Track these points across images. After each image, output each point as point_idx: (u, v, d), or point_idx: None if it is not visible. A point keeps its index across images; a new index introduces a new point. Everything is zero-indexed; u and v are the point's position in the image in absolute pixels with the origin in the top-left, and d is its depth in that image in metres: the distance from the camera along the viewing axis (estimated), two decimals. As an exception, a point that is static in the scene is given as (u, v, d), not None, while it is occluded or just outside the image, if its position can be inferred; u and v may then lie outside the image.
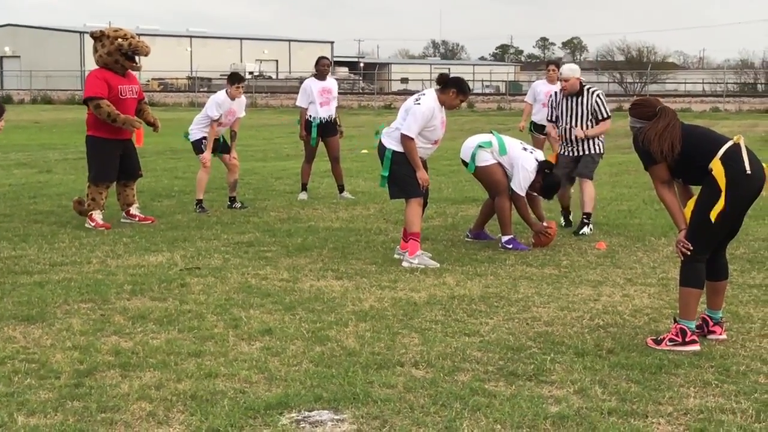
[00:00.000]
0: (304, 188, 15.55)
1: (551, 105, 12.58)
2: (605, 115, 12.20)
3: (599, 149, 12.32)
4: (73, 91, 71.78)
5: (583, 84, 12.33)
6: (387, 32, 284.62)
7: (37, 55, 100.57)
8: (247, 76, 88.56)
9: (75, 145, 26.02)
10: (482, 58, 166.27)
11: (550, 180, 11.25)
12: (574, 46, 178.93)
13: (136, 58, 12.62)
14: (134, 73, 12.88)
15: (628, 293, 8.80)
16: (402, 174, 10.23)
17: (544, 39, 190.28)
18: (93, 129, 12.49)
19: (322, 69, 15.57)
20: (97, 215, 12.36)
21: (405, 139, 10.11)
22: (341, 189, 15.66)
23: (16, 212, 13.57)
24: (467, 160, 11.32)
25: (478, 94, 69.96)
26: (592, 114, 12.15)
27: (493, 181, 11.22)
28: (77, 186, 16.37)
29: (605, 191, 16.23)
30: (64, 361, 6.53)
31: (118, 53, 12.45)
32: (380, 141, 10.43)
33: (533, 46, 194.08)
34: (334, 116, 15.54)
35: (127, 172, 12.78)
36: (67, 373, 6.28)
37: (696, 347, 6.93)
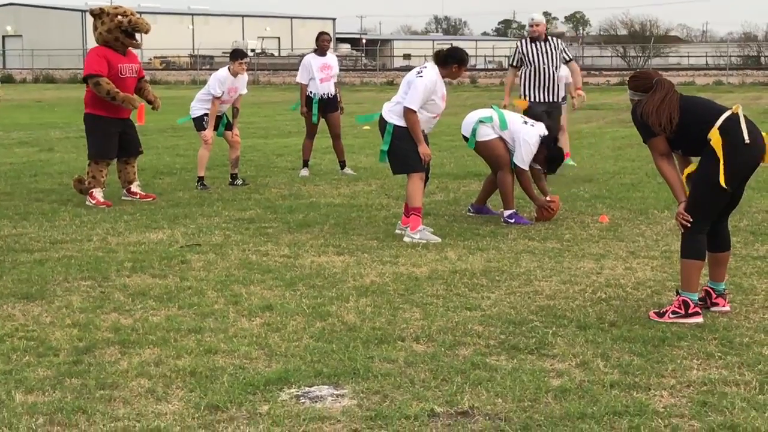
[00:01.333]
0: (305, 165, 15.49)
1: (518, 51, 14.22)
2: (570, 57, 14.32)
3: (564, 93, 14.51)
4: (76, 69, 71.60)
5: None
6: (389, 8, 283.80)
7: (39, 34, 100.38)
8: (250, 54, 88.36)
9: (77, 124, 25.84)
10: (485, 34, 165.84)
11: (554, 152, 11.19)
12: (576, 20, 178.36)
13: (137, 35, 12.55)
14: (135, 51, 12.79)
15: (630, 266, 8.76)
16: (404, 148, 10.16)
17: (546, 13, 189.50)
18: (91, 107, 12.43)
19: (322, 45, 15.49)
20: (98, 193, 12.31)
21: (408, 112, 10.03)
22: (342, 165, 15.61)
23: (16, 191, 13.53)
24: (468, 135, 11.26)
25: (480, 70, 69.86)
26: (560, 58, 14.06)
27: (494, 155, 11.16)
28: (78, 164, 16.31)
29: (608, 165, 16.18)
30: (63, 338, 6.50)
31: (118, 30, 12.36)
32: (381, 115, 10.35)
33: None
34: (334, 92, 15.46)
35: (127, 150, 12.72)
36: (66, 350, 6.24)
37: (699, 319, 6.89)
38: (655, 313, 7.03)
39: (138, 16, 12.58)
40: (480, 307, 7.34)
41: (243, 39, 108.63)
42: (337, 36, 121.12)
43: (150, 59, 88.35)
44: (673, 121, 6.80)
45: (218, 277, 8.29)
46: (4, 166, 16.38)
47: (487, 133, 11.09)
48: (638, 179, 14.37)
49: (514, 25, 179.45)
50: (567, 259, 9.06)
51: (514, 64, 14.29)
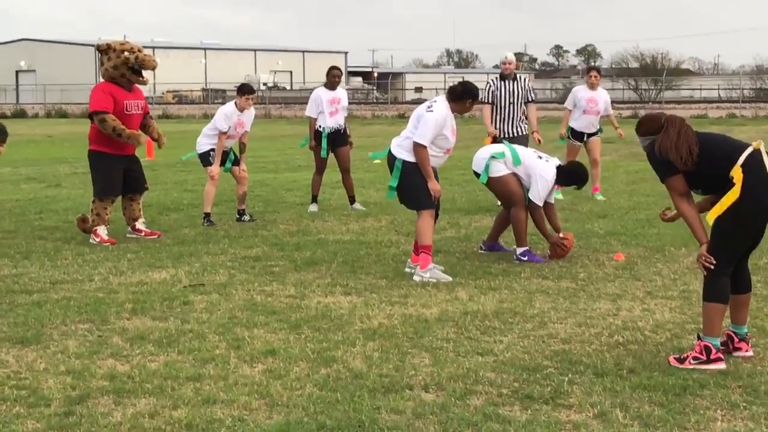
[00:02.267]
0: (314, 200, 15.23)
1: (489, 89, 15.11)
2: (533, 98, 15.39)
3: (525, 129, 15.28)
4: (87, 104, 71.66)
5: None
6: (401, 42, 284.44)
7: (52, 69, 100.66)
8: (262, 87, 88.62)
9: (85, 159, 25.74)
10: (496, 67, 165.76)
11: (574, 173, 10.99)
12: (588, 53, 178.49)
13: (143, 72, 12.34)
14: (141, 87, 12.58)
15: (648, 307, 8.45)
16: (413, 184, 9.90)
17: (557, 47, 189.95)
18: (95, 143, 12.19)
19: (332, 79, 15.25)
20: (102, 231, 12.05)
21: (418, 148, 9.78)
22: (352, 200, 15.35)
23: (20, 228, 13.29)
24: (479, 171, 10.99)
25: (489, 103, 69.54)
26: (524, 97, 15.09)
27: (507, 191, 10.88)
28: (85, 200, 16.06)
29: (622, 200, 15.88)
30: (56, 386, 6.22)
31: (125, 67, 12.14)
32: (389, 151, 10.10)
33: (547, 54, 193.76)
34: (343, 126, 15.23)
35: (132, 187, 12.49)
36: (58, 400, 5.96)
37: (721, 365, 6.58)
38: (675, 358, 6.72)
39: (145, 52, 12.36)
40: (492, 351, 7.04)
41: (255, 73, 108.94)
42: (349, 69, 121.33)
43: (162, 93, 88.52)
44: (693, 152, 6.52)
45: (221, 320, 8.01)
46: (9, 203, 16.15)
47: (499, 169, 10.82)
48: (653, 215, 14.03)
49: (526, 58, 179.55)
50: (582, 300, 8.75)
51: (487, 101, 15.07)
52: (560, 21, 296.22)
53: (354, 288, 9.28)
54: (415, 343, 7.27)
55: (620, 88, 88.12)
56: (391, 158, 10.02)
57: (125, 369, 6.63)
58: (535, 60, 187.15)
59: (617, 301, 8.71)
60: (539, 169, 10.76)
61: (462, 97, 10.03)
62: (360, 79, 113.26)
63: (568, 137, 16.43)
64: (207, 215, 13.57)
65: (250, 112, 13.85)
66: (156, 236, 12.41)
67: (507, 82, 15.12)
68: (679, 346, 7.15)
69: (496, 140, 14.32)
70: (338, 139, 15.20)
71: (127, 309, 8.40)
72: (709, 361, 6.57)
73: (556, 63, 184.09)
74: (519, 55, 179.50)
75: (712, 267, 6.57)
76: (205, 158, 13.65)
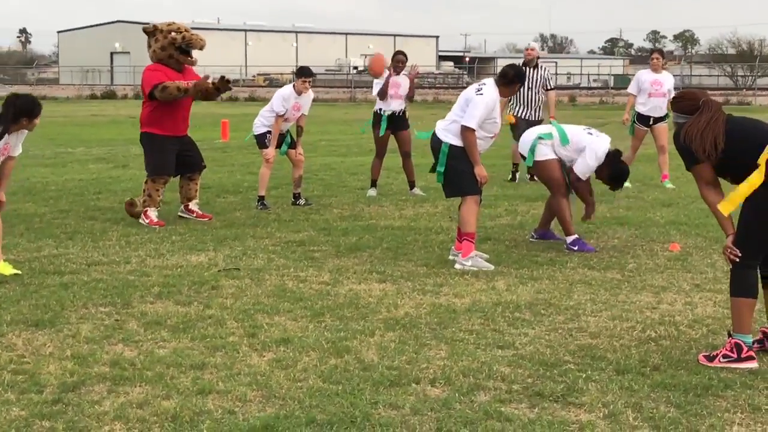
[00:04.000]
0: (373, 184, 15.01)
1: None
2: (552, 86, 16.46)
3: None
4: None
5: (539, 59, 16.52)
6: (495, 27, 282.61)
7: (146, 51, 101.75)
8: (352, 71, 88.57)
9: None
10: (591, 52, 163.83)
11: (619, 168, 10.52)
12: (685, 38, 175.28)
13: (192, 52, 12.16)
14: (193, 68, 12.41)
15: (691, 301, 8.06)
16: (459, 170, 9.60)
17: (654, 32, 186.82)
18: (147, 126, 12.08)
19: (396, 64, 14.96)
20: (152, 212, 11.93)
21: (466, 131, 9.48)
22: (412, 185, 15.07)
23: (74, 208, 13.25)
24: (525, 153, 10.64)
25: (582, 88, 68.75)
26: (543, 84, 16.24)
27: (549, 177, 10.53)
28: (146, 182, 16.05)
29: (692, 189, 15.29)
30: (55, 372, 6.07)
31: (172, 47, 11.95)
32: (434, 134, 9.80)
33: (644, 39, 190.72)
34: (403, 110, 14.98)
35: (190, 166, 12.37)
36: (52, 386, 5.81)
37: (753, 364, 6.20)
38: (704, 356, 6.35)
39: (192, 32, 12.13)
40: (513, 345, 6.73)
41: (346, 56, 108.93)
42: (441, 54, 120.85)
43: (254, 76, 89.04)
44: (719, 146, 6.15)
45: (244, 306, 7.81)
46: (71, 183, 16.19)
47: (544, 153, 10.46)
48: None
49: (621, 44, 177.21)
50: (624, 292, 8.39)
51: None
52: (657, 5, 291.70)
53: (390, 275, 9.02)
54: (436, 335, 6.99)
55: (716, 75, 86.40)
56: (436, 142, 9.75)
57: (131, 355, 6.47)
58: (630, 45, 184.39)
59: (660, 293, 8.33)
60: (593, 144, 10.37)
61: (513, 81, 9.77)
62: (451, 63, 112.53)
63: (634, 122, 15.99)
64: (261, 198, 13.41)
65: (308, 96, 13.65)
66: (206, 219, 12.26)
67: (529, 69, 15.99)
68: (714, 343, 6.77)
69: (516, 123, 15.90)
70: (399, 122, 14.98)
71: (153, 293, 8.26)
72: (739, 360, 6.20)
73: (653, 48, 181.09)
74: (614, 41, 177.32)
75: (738, 259, 6.20)
76: (261, 140, 13.49)
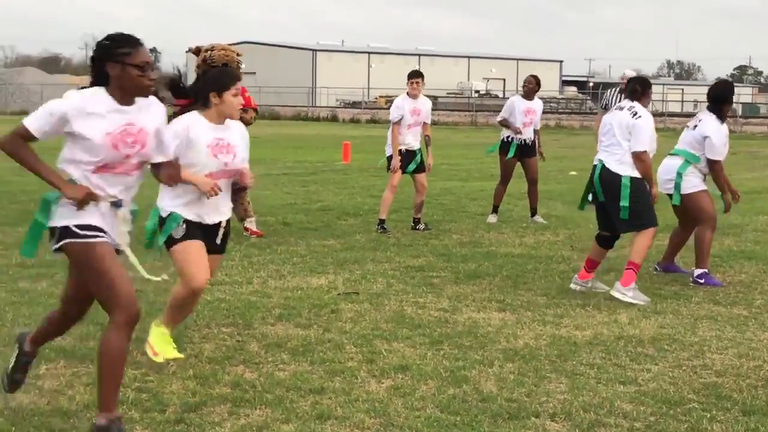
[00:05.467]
0: (495, 210, 14.91)
1: (605, 98, 16.56)
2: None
3: None
4: (300, 107, 73.24)
5: None
6: (620, 52, 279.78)
7: (270, 72, 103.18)
8: (474, 95, 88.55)
9: (284, 161, 26.24)
10: (718, 78, 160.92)
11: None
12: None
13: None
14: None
15: (821, 341, 7.82)
16: (642, 202, 9.44)
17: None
18: None
19: (527, 87, 14.83)
20: (249, 223, 12.52)
21: (642, 155, 9.38)
22: (533, 212, 14.92)
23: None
24: (668, 191, 10.44)
25: (708, 116, 67.37)
26: None
27: (701, 209, 10.33)
28: (268, 202, 16.26)
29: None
30: (178, 392, 6.16)
31: (205, 64, 11.77)
32: (605, 168, 9.54)
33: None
34: (533, 138, 14.84)
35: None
36: (174, 406, 5.89)
37: None
38: None
39: (226, 50, 11.94)
40: (636, 381, 6.61)
41: (468, 80, 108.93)
42: (564, 78, 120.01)
43: (375, 98, 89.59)
44: None
45: (363, 331, 7.82)
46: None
47: (694, 184, 10.29)
48: None
49: (750, 71, 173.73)
50: (751, 329, 8.18)
51: (603, 105, 16.43)
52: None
53: (509, 304, 8.95)
54: (556, 367, 6.90)
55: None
56: (612, 177, 9.46)
57: (252, 377, 6.52)
58: (760, 73, 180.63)
59: (789, 332, 8.10)
60: (702, 132, 10.29)
61: (645, 87, 9.85)
62: (575, 88, 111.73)
63: None
64: (381, 222, 13.44)
65: (425, 101, 13.58)
66: (259, 236, 12.52)
67: (623, 95, 15.95)
68: None
69: None
70: (528, 149, 14.83)
71: (274, 314, 8.33)
72: None
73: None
74: (743, 68, 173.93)
75: None
76: (390, 162, 13.51)
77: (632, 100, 9.69)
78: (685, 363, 7.10)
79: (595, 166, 9.67)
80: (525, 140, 14.74)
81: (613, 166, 9.48)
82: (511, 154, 14.74)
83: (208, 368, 6.71)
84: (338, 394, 6.18)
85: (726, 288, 9.94)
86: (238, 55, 12.00)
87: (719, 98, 10.48)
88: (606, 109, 16.08)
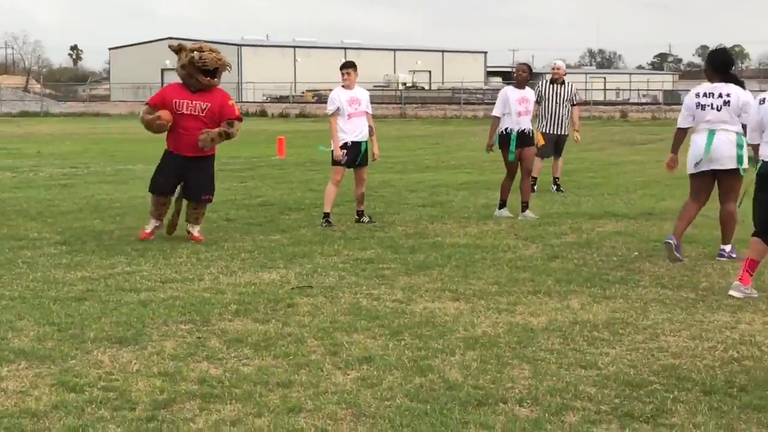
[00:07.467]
0: (503, 205, 14.44)
1: (538, 91, 17.25)
2: (576, 101, 18.03)
3: (567, 130, 17.91)
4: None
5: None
6: (543, 42, 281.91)
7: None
8: (400, 87, 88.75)
9: (218, 157, 26.02)
10: (639, 67, 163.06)
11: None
12: (735, 53, 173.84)
13: (216, 72, 11.74)
14: (221, 88, 12.03)
15: (770, 321, 8.01)
16: None
17: (704, 47, 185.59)
18: (166, 140, 12.20)
19: (519, 76, 14.52)
20: (148, 225, 12.22)
21: None
22: (525, 206, 14.37)
23: (141, 226, 13.33)
24: (732, 165, 10.57)
25: (632, 104, 68.40)
26: (569, 100, 17.76)
27: (739, 187, 10.61)
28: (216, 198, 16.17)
29: (756, 206, 15.23)
30: (145, 389, 6.14)
31: (192, 67, 11.62)
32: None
33: (692, 55, 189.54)
34: (530, 128, 14.44)
35: (188, 193, 12.05)
36: (144, 404, 5.88)
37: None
38: None
39: (213, 52, 11.73)
40: (596, 365, 6.73)
41: (394, 72, 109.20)
42: (489, 69, 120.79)
43: (303, 92, 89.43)
44: None
45: (322, 324, 7.86)
46: (136, 200, 16.34)
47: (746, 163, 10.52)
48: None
49: (670, 59, 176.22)
50: (700, 311, 8.35)
51: (536, 100, 16.23)
52: (706, 21, 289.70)
53: (463, 294, 9.04)
54: (517, 354, 7.00)
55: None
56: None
57: (217, 373, 6.53)
58: (680, 61, 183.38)
59: (737, 313, 8.29)
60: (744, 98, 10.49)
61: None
62: (500, 79, 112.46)
63: None
64: (326, 215, 13.47)
65: (362, 90, 13.59)
66: (197, 240, 12.01)
67: (555, 85, 17.75)
68: (798, 364, 6.73)
69: (545, 142, 16.36)
70: (526, 140, 14.34)
71: (230, 310, 8.33)
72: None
73: (702, 64, 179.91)
74: (663, 56, 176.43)
75: None
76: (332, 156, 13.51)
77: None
78: (641, 346, 7.24)
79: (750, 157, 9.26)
80: (524, 130, 14.27)
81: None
82: (512, 155, 14.23)
83: (171, 365, 6.70)
84: (306, 387, 6.21)
85: (671, 271, 10.13)
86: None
87: (727, 64, 10.71)
88: (539, 103, 16.89)
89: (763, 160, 9.16)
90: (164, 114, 11.72)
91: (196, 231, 12.20)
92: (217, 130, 11.80)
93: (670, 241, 10.51)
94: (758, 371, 6.57)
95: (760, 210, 9.18)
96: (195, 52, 11.65)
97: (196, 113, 11.77)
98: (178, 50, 11.95)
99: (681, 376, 6.44)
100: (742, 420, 5.61)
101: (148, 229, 12.16)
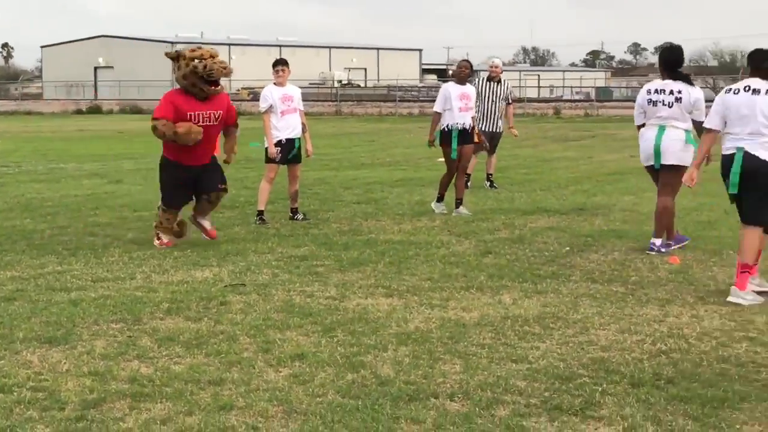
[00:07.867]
0: (440, 199, 14.47)
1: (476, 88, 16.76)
2: (511, 100, 18.40)
3: (502, 127, 18.33)
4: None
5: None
6: (477, 40, 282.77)
7: (130, 66, 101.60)
8: (336, 85, 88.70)
9: (152, 155, 25.88)
10: (573, 65, 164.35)
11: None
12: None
13: (219, 80, 11.43)
14: (220, 94, 11.62)
15: (697, 314, 8.13)
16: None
17: (636, 44, 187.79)
18: (165, 150, 11.61)
19: (460, 72, 14.42)
20: (164, 237, 11.67)
21: None
22: (459, 203, 14.34)
23: (73, 224, 13.28)
24: (674, 161, 10.86)
25: (565, 101, 68.94)
26: (504, 98, 18.14)
27: (679, 183, 10.63)
28: (143, 197, 16.14)
29: (686, 200, 15.43)
30: (75, 389, 6.10)
31: (194, 76, 11.25)
32: (747, 155, 8.72)
33: (624, 52, 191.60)
34: (471, 125, 14.34)
35: (203, 187, 11.74)
36: (73, 403, 5.83)
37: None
38: None
39: (217, 59, 11.40)
40: (527, 359, 6.79)
41: (330, 70, 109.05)
42: (424, 67, 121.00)
43: (238, 90, 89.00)
44: None
45: (255, 321, 7.85)
46: (68, 198, 16.20)
47: (690, 159, 10.75)
48: (716, 217, 13.68)
49: (602, 56, 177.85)
50: (629, 305, 8.46)
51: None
52: (638, 19, 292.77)
53: (396, 290, 9.07)
54: (449, 349, 7.04)
55: (699, 87, 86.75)
56: (753, 161, 8.73)
57: (148, 372, 6.50)
58: (612, 58, 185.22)
59: (666, 306, 8.40)
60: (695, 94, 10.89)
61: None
62: (434, 76, 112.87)
63: None
64: (260, 213, 13.44)
65: (294, 88, 13.57)
66: (212, 237, 11.98)
67: (492, 83, 18.01)
68: (724, 356, 6.84)
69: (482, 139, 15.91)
70: (465, 137, 14.29)
71: (162, 309, 8.29)
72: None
73: (634, 61, 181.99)
74: (596, 53, 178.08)
75: None
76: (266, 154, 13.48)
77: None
78: (571, 340, 7.32)
79: (732, 155, 8.89)
80: (465, 126, 14.21)
81: (763, 153, 8.74)
82: (454, 153, 14.16)
83: (102, 365, 6.65)
84: (238, 385, 6.20)
85: (601, 266, 10.24)
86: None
87: (676, 62, 10.99)
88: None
89: (723, 154, 8.99)
90: (193, 126, 11.26)
91: (208, 225, 11.98)
92: (231, 143, 12.20)
93: (653, 249, 10.98)
94: (685, 363, 6.66)
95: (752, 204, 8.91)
96: (196, 61, 11.23)
97: (211, 122, 11.47)
98: (175, 57, 11.44)
99: (610, 369, 6.52)
100: (668, 411, 5.69)
101: (166, 239, 11.67)
